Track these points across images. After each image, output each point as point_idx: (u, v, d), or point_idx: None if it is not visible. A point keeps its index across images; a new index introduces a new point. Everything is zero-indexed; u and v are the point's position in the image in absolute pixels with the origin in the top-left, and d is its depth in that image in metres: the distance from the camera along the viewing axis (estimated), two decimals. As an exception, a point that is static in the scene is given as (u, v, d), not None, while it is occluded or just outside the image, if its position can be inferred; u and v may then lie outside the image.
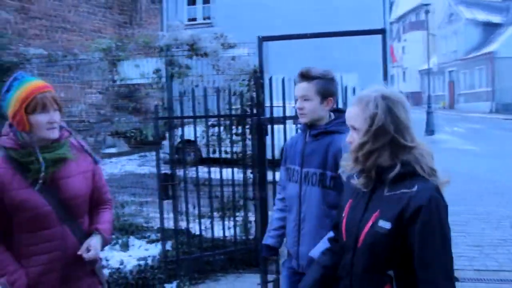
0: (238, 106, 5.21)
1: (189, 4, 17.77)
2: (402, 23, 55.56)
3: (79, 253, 2.39)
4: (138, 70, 5.73)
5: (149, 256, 5.40)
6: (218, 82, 5.41)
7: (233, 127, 5.21)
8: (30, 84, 2.30)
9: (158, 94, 6.89)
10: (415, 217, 1.78)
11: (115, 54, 5.72)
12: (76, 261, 2.41)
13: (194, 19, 17.30)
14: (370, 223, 1.89)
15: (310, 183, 2.76)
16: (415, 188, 1.81)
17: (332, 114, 2.84)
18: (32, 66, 7.00)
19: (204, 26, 14.90)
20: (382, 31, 5.42)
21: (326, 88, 2.73)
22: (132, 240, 5.87)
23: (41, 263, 2.34)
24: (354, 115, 1.94)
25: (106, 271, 4.71)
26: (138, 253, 5.53)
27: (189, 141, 5.51)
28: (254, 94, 5.28)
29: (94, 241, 2.45)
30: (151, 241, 5.86)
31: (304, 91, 2.74)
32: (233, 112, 5.20)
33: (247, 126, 5.21)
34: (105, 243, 2.54)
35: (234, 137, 5.19)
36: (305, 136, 2.85)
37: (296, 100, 2.81)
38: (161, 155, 5.01)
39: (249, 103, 5.10)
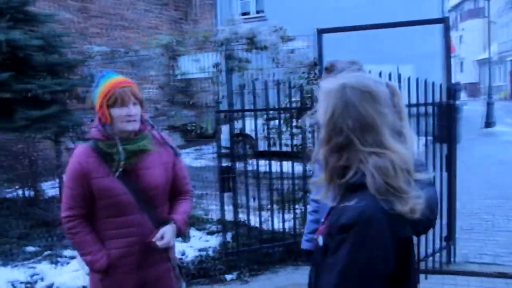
0: (298, 99, 5.21)
1: (242, -2, 17.89)
2: (459, 11, 53.68)
3: (153, 240, 2.49)
4: (198, 65, 5.83)
5: (209, 247, 5.51)
6: (277, 75, 5.43)
7: (293, 120, 5.22)
8: (112, 79, 2.44)
9: (213, 88, 6.99)
10: (332, 237, 1.45)
11: (175, 49, 5.85)
12: (152, 247, 2.52)
13: (247, 13, 17.38)
14: (316, 237, 1.65)
15: None
16: (351, 203, 1.44)
17: None
18: (96, 63, 7.28)
19: (257, 20, 14.92)
20: (443, 20, 5.29)
21: None
22: (193, 231, 6.01)
23: (120, 247, 2.49)
24: (318, 110, 1.57)
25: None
26: (199, 244, 5.65)
27: (243, 134, 5.57)
28: (314, 87, 5.28)
29: (168, 230, 2.54)
30: (211, 233, 5.98)
31: None
32: (293, 105, 5.20)
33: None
34: (179, 232, 2.64)
35: (294, 130, 5.19)
36: None
37: None
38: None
39: (309, 95, 5.10)
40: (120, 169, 2.41)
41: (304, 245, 2.86)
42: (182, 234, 2.74)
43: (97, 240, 2.51)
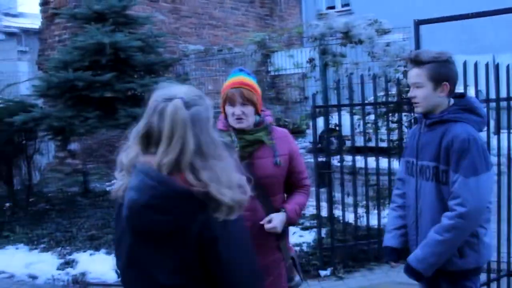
0: (394, 92, 5.07)
1: (327, -8, 17.69)
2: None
3: (261, 223, 2.59)
4: (291, 60, 5.84)
5: (303, 243, 5.51)
6: (373, 70, 5.32)
7: (390, 114, 5.08)
8: (231, 79, 2.63)
9: (303, 83, 6.98)
10: None
11: (268, 45, 5.91)
12: (264, 234, 2.61)
13: (333, 7, 17.17)
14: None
15: (424, 177, 2.53)
16: None
17: (452, 100, 2.55)
18: (190, 61, 7.52)
19: (344, 14, 14.70)
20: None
21: (440, 72, 2.44)
22: (287, 231, 6.03)
23: None
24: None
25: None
26: (293, 239, 5.66)
27: (334, 129, 5.51)
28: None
29: (277, 216, 2.63)
30: (306, 228, 5.98)
31: (414, 78, 2.50)
32: (390, 99, 5.06)
33: (404, 114, 5.05)
34: (289, 221, 2.69)
35: (391, 125, 5.06)
36: (421, 126, 2.62)
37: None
38: (306, 144, 5.07)
39: (407, 89, 4.94)
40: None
41: (389, 241, 2.75)
42: (293, 224, 2.79)
43: None
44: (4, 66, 17.39)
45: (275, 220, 2.60)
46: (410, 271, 2.54)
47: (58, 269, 5.30)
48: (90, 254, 5.62)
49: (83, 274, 5.20)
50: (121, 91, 6.59)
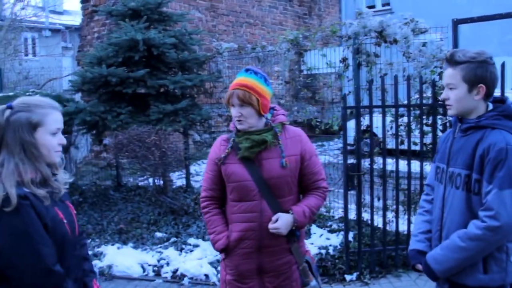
0: (429, 95, 4.90)
1: (367, -8, 17.42)
2: None
3: (268, 225, 2.61)
4: (324, 60, 5.74)
5: (330, 246, 5.41)
6: (407, 70, 5.16)
7: (424, 117, 4.91)
8: (235, 80, 2.66)
9: (338, 83, 6.86)
10: None
11: (302, 44, 5.82)
12: (271, 235, 2.63)
13: (373, 7, 16.87)
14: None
15: (454, 185, 2.38)
16: None
17: (490, 105, 2.38)
18: (223, 59, 7.51)
19: (384, 13, 14.44)
20: None
21: (475, 73, 2.28)
22: (314, 228, 5.95)
23: (240, 230, 2.66)
24: None
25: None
26: (320, 241, 5.58)
27: (366, 131, 5.38)
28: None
29: (283, 217, 2.63)
30: (333, 231, 5.87)
31: (448, 78, 2.35)
32: (424, 101, 4.89)
33: (439, 116, 4.88)
34: (297, 224, 2.66)
35: (425, 128, 4.89)
36: (455, 130, 2.46)
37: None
38: (340, 145, 4.96)
39: (442, 91, 4.77)
40: (244, 155, 2.63)
41: (416, 245, 2.59)
42: (301, 227, 2.74)
43: (223, 221, 2.75)
44: (48, 62, 17.89)
45: (280, 221, 2.60)
46: (427, 269, 2.44)
47: (86, 260, 5.38)
48: (118, 248, 5.69)
49: (109, 266, 5.27)
50: (154, 88, 6.64)
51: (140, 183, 8.63)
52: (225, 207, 2.79)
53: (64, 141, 2.10)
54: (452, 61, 2.34)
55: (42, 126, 1.99)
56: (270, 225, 2.60)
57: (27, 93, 7.04)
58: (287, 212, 2.65)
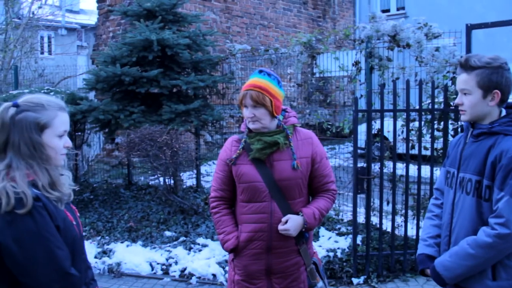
0: (441, 100, 4.89)
1: (382, -5, 17.39)
2: None
3: (278, 226, 2.63)
4: (337, 63, 5.75)
5: (338, 248, 5.42)
6: (420, 75, 5.15)
7: (435, 122, 4.90)
8: (248, 81, 2.68)
9: (351, 87, 6.86)
10: None
11: (315, 47, 5.83)
12: (281, 236, 2.65)
13: (388, 10, 16.82)
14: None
15: (464, 191, 2.35)
16: None
17: (504, 111, 2.35)
18: (236, 60, 7.55)
19: (399, 17, 14.40)
20: None
21: (490, 79, 2.24)
22: (322, 230, 5.95)
23: (250, 231, 2.68)
24: None
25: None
26: (328, 244, 5.58)
27: (377, 134, 5.38)
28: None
29: (293, 218, 2.64)
30: (341, 234, 5.88)
31: (462, 84, 2.31)
32: (436, 106, 4.88)
33: (450, 122, 4.87)
34: (306, 226, 2.69)
35: (436, 133, 4.88)
36: (467, 135, 2.44)
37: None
38: (351, 149, 4.95)
39: (454, 96, 4.76)
40: (255, 156, 2.65)
41: (424, 249, 2.56)
42: (311, 228, 2.76)
43: (233, 222, 2.77)
44: (63, 60, 18.08)
45: (290, 222, 2.62)
46: (435, 275, 2.43)
47: (95, 257, 5.45)
48: (127, 246, 5.74)
49: (118, 264, 5.33)
50: (167, 87, 6.70)
51: (151, 182, 8.70)
52: (235, 208, 2.81)
53: (70, 144, 2.02)
54: (466, 66, 2.31)
55: (50, 127, 1.92)
56: (280, 226, 2.61)
57: (42, 91, 7.12)
58: (297, 213, 2.67)
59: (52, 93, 7.12)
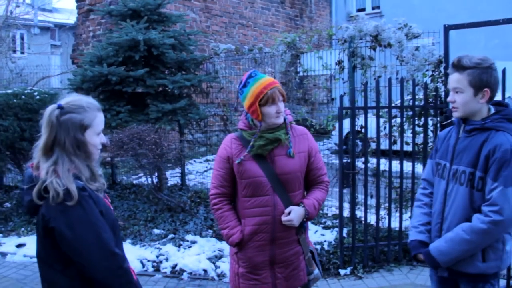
0: (421, 96, 5.10)
1: (358, -5, 17.65)
2: None
3: (282, 217, 2.76)
4: (320, 62, 5.91)
5: (324, 241, 5.59)
6: (401, 73, 5.36)
7: (416, 118, 5.11)
8: (262, 81, 2.74)
9: (328, 84, 7.05)
10: None
11: (299, 47, 5.99)
12: (284, 227, 2.79)
13: (363, 9, 17.11)
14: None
15: (458, 182, 2.56)
16: None
17: (492, 108, 2.57)
18: (220, 60, 7.65)
19: (374, 16, 14.68)
20: None
21: (481, 78, 2.45)
22: (309, 225, 6.11)
23: (254, 224, 2.80)
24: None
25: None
26: (315, 237, 5.75)
27: (360, 131, 5.57)
28: (439, 85, 5.14)
29: (295, 209, 2.79)
30: (327, 227, 6.06)
31: (455, 83, 2.51)
32: (417, 103, 5.10)
33: (430, 118, 5.09)
34: (308, 216, 2.84)
35: (417, 129, 5.09)
36: (459, 131, 2.64)
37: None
38: (331, 145, 5.12)
39: (434, 94, 4.99)
40: (257, 152, 2.76)
41: (416, 236, 2.74)
42: (311, 218, 2.91)
43: (235, 217, 2.87)
44: (36, 60, 17.84)
45: (293, 214, 2.75)
46: (430, 259, 2.61)
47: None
48: (116, 244, 5.78)
49: (108, 262, 5.37)
50: (153, 87, 6.76)
51: (135, 181, 8.72)
52: (236, 203, 2.92)
53: (105, 140, 2.25)
54: (459, 66, 2.50)
55: (91, 127, 2.14)
56: (284, 218, 2.75)
57: (26, 91, 7.11)
58: (297, 205, 2.82)
59: (36, 93, 7.12)
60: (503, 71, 4.28)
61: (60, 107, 2.10)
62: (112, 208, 2.29)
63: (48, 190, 1.99)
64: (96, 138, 2.18)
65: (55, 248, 2.06)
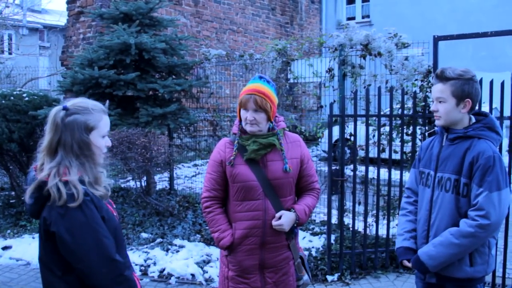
0: (410, 106, 5.17)
1: (348, 3, 17.79)
2: None
3: (272, 221, 2.79)
4: (310, 69, 5.96)
5: (312, 247, 5.62)
6: (390, 82, 5.43)
7: (404, 127, 5.18)
8: (249, 85, 2.82)
9: (316, 92, 7.10)
10: None
11: (289, 54, 6.04)
12: (274, 232, 2.82)
13: (353, 18, 17.27)
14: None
15: (443, 189, 2.64)
16: None
17: (473, 117, 2.68)
18: (211, 65, 7.67)
19: (364, 25, 14.82)
20: None
21: (463, 89, 2.56)
22: (297, 231, 6.14)
23: (244, 228, 2.82)
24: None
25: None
26: (302, 244, 5.77)
27: (349, 139, 5.62)
28: (428, 94, 5.21)
29: (286, 214, 2.82)
30: (315, 234, 6.09)
31: (438, 93, 2.62)
32: (405, 112, 5.17)
33: (418, 127, 5.16)
34: (298, 221, 2.87)
35: (405, 137, 5.15)
36: (442, 139, 2.72)
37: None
38: (319, 152, 5.16)
39: (423, 103, 5.06)
40: (250, 157, 2.79)
41: (403, 243, 2.81)
42: (301, 224, 2.94)
43: (226, 220, 2.89)
44: (24, 61, 17.70)
45: (284, 218, 2.78)
46: (419, 264, 2.66)
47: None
48: (105, 247, 5.76)
49: (97, 265, 5.35)
50: (143, 91, 6.76)
51: (123, 185, 8.69)
52: (227, 207, 2.94)
53: (110, 143, 2.23)
54: (442, 77, 2.60)
55: (96, 129, 2.12)
56: (274, 222, 2.78)
57: (15, 92, 7.06)
58: (288, 210, 2.85)
59: (25, 95, 7.07)
60: (491, 82, 4.35)
61: (65, 108, 2.08)
62: (116, 214, 2.25)
63: (41, 189, 1.98)
64: (101, 140, 2.15)
65: (55, 253, 2.04)
